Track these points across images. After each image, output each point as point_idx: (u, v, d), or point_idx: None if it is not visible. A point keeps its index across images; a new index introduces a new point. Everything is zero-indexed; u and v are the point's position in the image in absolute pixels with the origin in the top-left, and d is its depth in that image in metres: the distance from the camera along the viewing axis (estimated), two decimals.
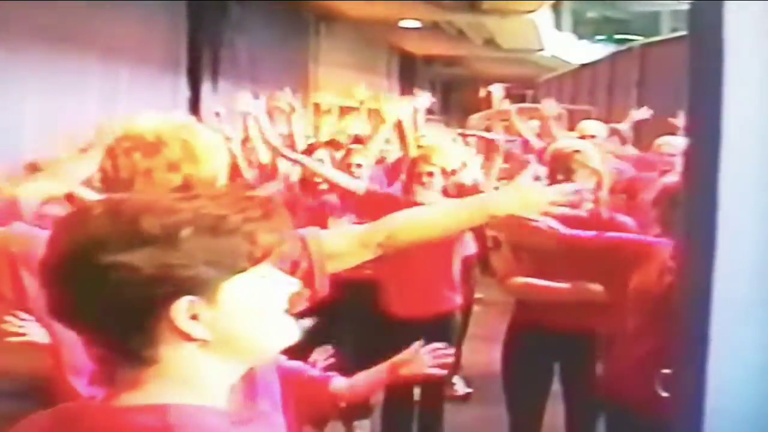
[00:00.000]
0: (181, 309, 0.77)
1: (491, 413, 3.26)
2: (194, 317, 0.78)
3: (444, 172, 3.21)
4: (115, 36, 8.85)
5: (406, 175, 3.30)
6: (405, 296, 3.16)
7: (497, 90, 5.96)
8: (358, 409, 3.54)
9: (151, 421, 0.76)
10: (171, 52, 10.65)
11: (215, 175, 1.44)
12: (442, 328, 3.21)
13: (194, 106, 10.87)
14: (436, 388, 3.24)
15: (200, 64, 11.10)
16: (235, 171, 3.78)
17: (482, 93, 7.65)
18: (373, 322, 3.74)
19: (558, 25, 18.12)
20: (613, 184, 3.86)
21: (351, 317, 3.37)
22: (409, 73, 17.97)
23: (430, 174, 3.15)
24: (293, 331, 0.87)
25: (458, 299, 3.33)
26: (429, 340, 3.06)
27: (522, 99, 16.36)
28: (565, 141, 3.26)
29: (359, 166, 3.76)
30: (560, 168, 2.69)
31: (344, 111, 13.85)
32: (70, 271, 0.76)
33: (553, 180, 2.72)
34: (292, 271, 1.44)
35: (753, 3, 1.06)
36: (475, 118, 12.14)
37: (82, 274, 0.76)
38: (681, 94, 1.18)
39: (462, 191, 3.27)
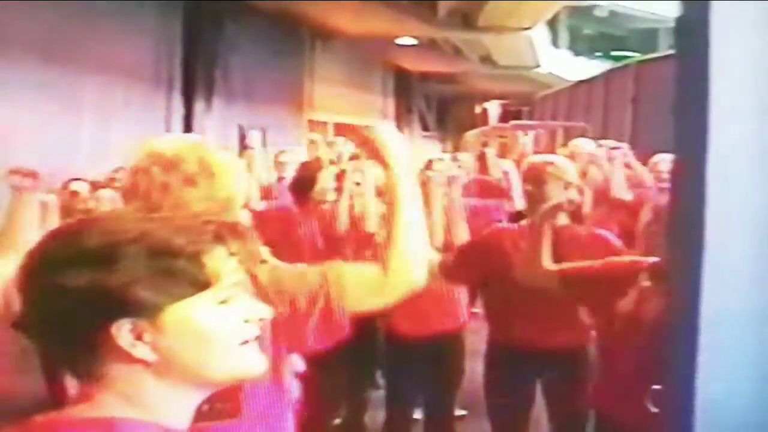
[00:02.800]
0: (122, 329, 0.77)
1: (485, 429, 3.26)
2: (138, 338, 0.78)
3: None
4: (109, 54, 8.90)
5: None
6: (411, 314, 3.10)
7: (493, 107, 6.17)
8: (352, 425, 3.59)
9: None
10: (165, 69, 10.67)
11: (232, 195, 1.46)
12: (449, 347, 3.21)
13: (188, 124, 10.91)
14: (444, 402, 3.26)
15: (194, 82, 11.13)
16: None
17: (478, 110, 7.70)
18: (377, 340, 3.72)
19: (555, 42, 18.25)
20: (606, 198, 3.86)
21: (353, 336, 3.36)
22: (405, 90, 18.03)
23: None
24: (255, 362, 0.85)
25: (464, 317, 3.32)
26: (435, 359, 3.17)
27: (518, 115, 16.47)
28: (539, 155, 3.26)
29: (357, 184, 3.73)
30: (532, 180, 2.67)
31: (340, 128, 13.92)
32: (23, 286, 0.79)
33: (524, 192, 2.74)
34: (309, 306, 1.41)
35: (740, 19, 1.07)
36: (471, 135, 12.25)
37: (31, 289, 0.78)
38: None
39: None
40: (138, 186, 1.42)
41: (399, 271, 1.45)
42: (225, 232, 0.83)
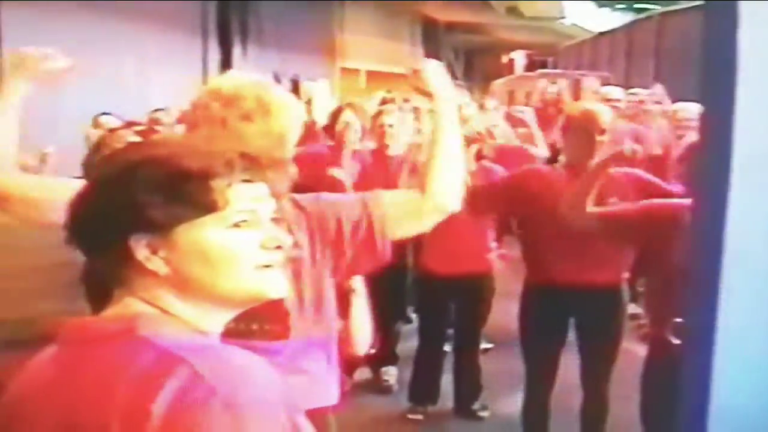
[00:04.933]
0: (139, 244, 0.85)
1: (509, 366, 3.34)
2: (154, 252, 0.85)
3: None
4: (148, 3, 8.99)
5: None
6: (443, 254, 3.20)
7: (519, 57, 6.20)
8: (385, 355, 3.77)
9: (120, 326, 0.84)
10: (201, 17, 10.86)
11: (285, 132, 1.50)
12: (478, 287, 3.35)
13: (225, 69, 10.86)
14: (471, 337, 3.43)
15: (229, 30, 11.39)
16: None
17: (504, 60, 7.68)
18: (407, 277, 3.84)
19: None
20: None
21: (385, 271, 3.49)
22: (432, 40, 18.14)
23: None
24: (273, 286, 0.89)
25: (493, 259, 3.41)
26: (465, 298, 3.36)
27: (543, 65, 16.61)
28: (579, 103, 3.41)
29: (391, 126, 3.77)
30: (574, 127, 2.68)
31: (371, 76, 14.15)
32: (74, 201, 0.90)
33: (568, 143, 2.74)
34: (353, 234, 1.50)
35: None
36: (497, 84, 12.48)
37: (78, 202, 0.88)
38: (697, 63, 1.21)
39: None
40: (198, 120, 1.47)
41: (437, 195, 1.52)
42: (238, 160, 0.86)
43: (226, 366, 0.81)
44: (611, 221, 2.38)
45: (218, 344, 0.88)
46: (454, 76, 5.06)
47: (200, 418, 0.76)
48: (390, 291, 3.74)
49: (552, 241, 2.68)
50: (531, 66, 17.84)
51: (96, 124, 4.05)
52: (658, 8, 12.31)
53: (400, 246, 3.86)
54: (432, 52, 18.30)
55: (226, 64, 11.30)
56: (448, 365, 3.54)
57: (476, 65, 22.07)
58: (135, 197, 0.84)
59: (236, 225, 0.86)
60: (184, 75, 9.74)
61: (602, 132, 2.65)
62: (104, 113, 4.19)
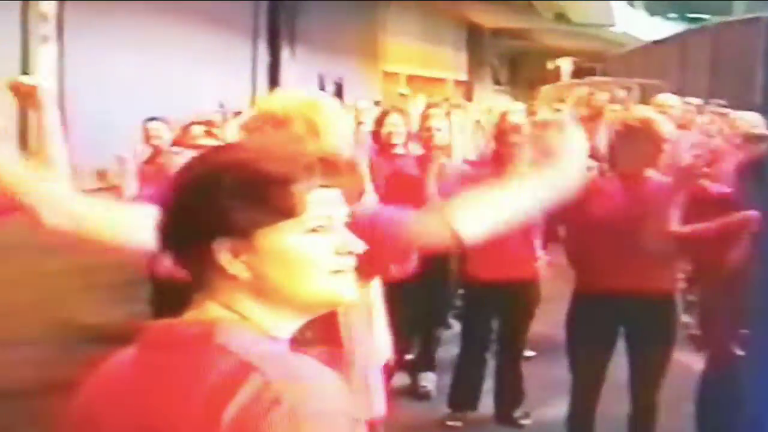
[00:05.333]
0: (221, 247, 0.85)
1: (551, 374, 3.30)
2: (235, 256, 0.85)
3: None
4: (199, 5, 9.41)
5: (497, 146, 3.34)
6: (489, 260, 3.13)
7: (565, 63, 6.08)
8: (424, 361, 3.76)
9: (198, 332, 0.84)
10: (253, 20, 11.18)
11: (336, 148, 1.50)
12: (523, 294, 3.30)
13: (274, 71, 11.66)
14: (514, 344, 3.41)
15: (279, 33, 11.66)
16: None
17: (550, 66, 7.52)
18: (450, 282, 3.78)
19: (630, 2, 17.90)
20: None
21: (427, 278, 3.24)
22: (477, 44, 18.06)
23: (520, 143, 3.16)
24: (345, 292, 0.90)
25: (540, 266, 3.37)
26: (509, 305, 3.29)
27: (591, 72, 16.36)
28: (637, 112, 3.20)
29: (438, 129, 3.72)
30: (632, 136, 2.63)
31: (412, 80, 14.13)
32: (163, 206, 0.91)
33: (623, 150, 2.68)
34: (385, 244, 1.48)
35: None
36: (545, 90, 12.31)
37: (166, 207, 0.90)
38: (753, 74, 1.33)
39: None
40: None
41: (467, 232, 1.48)
42: (318, 165, 0.87)
43: (295, 376, 0.81)
44: (691, 242, 2.34)
45: (290, 353, 0.88)
46: (498, 82, 5.00)
47: (264, 428, 0.76)
48: (430, 297, 3.69)
49: (604, 249, 2.65)
50: (578, 73, 17.60)
51: (144, 130, 4.09)
52: (710, 18, 12.02)
53: (441, 252, 3.33)
54: (476, 58, 18.25)
55: (274, 65, 11.70)
56: (487, 371, 3.50)
57: (521, 71, 21.94)
58: (218, 201, 0.85)
59: (313, 230, 0.87)
60: (234, 76, 10.33)
61: (663, 141, 2.62)
62: (152, 118, 4.19)
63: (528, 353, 3.75)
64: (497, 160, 3.26)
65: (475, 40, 17.95)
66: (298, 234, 0.86)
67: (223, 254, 0.85)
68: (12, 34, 7.31)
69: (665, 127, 2.67)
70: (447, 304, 4.11)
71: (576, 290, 2.84)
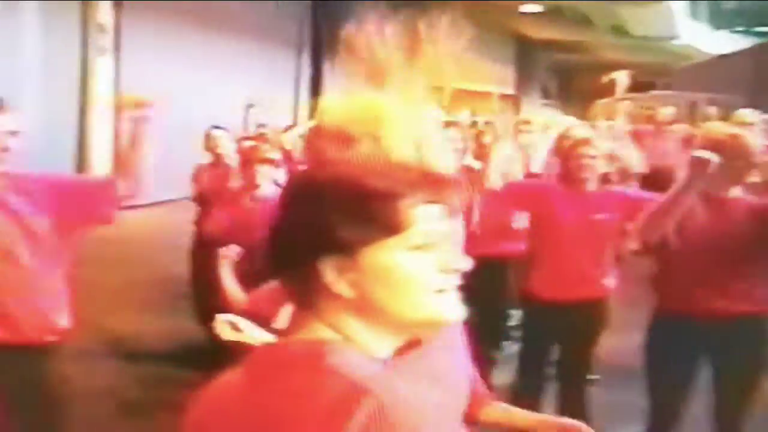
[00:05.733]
0: (327, 265, 0.83)
1: (617, 398, 3.29)
2: (340, 274, 0.83)
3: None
4: (247, 18, 9.66)
5: (563, 162, 3.23)
6: (554, 278, 3.07)
7: (622, 77, 5.74)
8: None
9: (306, 353, 0.83)
10: (297, 33, 11.41)
11: (410, 156, 1.38)
12: (591, 314, 3.13)
13: (316, 83, 11.69)
14: (579, 367, 3.23)
15: (321, 45, 11.65)
16: None
17: (605, 80, 7.36)
18: (505, 303, 3.80)
19: (693, 15, 17.07)
20: None
21: (488, 297, 3.36)
22: (526, 57, 17.39)
23: (593, 157, 3.10)
24: (450, 311, 0.88)
25: (610, 284, 3.17)
26: (575, 326, 3.11)
27: (650, 87, 15.42)
28: (720, 126, 3.01)
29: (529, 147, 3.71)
30: (719, 151, 2.49)
31: (456, 93, 13.52)
32: (270, 223, 0.89)
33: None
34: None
35: None
36: (603, 103, 11.51)
37: (272, 224, 0.88)
38: None
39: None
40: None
41: None
42: (423, 180, 0.86)
43: (406, 400, 0.81)
44: None
45: (397, 375, 0.86)
46: (547, 96, 4.80)
47: None
48: (486, 318, 3.47)
49: (691, 267, 2.59)
50: (636, 87, 16.70)
51: (208, 138, 4.30)
52: None
53: (499, 270, 3.65)
54: (524, 71, 17.50)
55: (316, 77, 11.77)
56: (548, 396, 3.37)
57: (573, 85, 21.20)
58: (323, 218, 0.84)
59: (418, 247, 0.85)
60: (278, 88, 10.53)
61: (752, 157, 2.55)
62: (216, 127, 4.35)
63: (592, 376, 3.60)
64: (566, 176, 3.15)
65: (523, 52, 17.29)
66: (402, 251, 0.85)
67: (328, 273, 0.84)
68: (72, 46, 7.65)
69: (755, 142, 2.59)
70: (501, 324, 4.09)
71: (657, 310, 2.76)
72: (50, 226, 2.10)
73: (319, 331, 0.86)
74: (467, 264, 0.88)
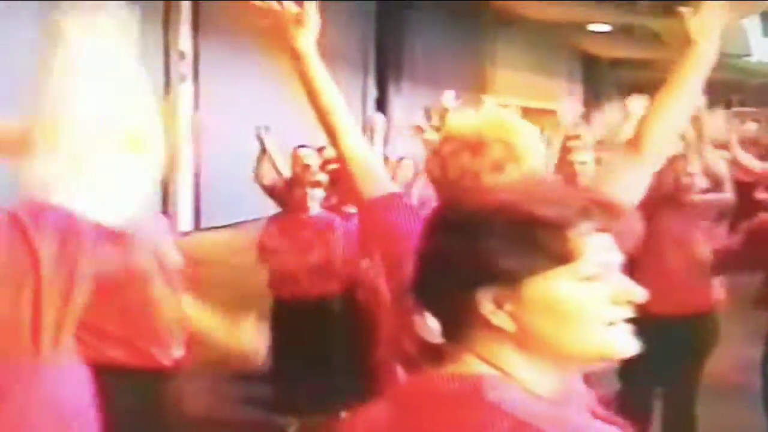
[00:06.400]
0: (486, 297, 0.80)
1: (725, 418, 3.26)
2: (499, 306, 0.80)
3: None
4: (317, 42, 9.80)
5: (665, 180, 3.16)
6: (656, 290, 2.91)
7: None
8: None
9: (464, 388, 0.80)
10: (361, 55, 11.41)
11: (534, 173, 1.46)
12: (699, 328, 3.03)
13: (381, 105, 11.61)
14: (687, 384, 3.12)
15: (386, 68, 11.75)
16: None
17: None
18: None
19: (766, 32, 16.57)
20: None
21: None
22: (594, 76, 17.14)
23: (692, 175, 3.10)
24: (621, 345, 0.83)
25: (718, 294, 3.08)
26: (682, 342, 2.97)
27: (728, 104, 15.06)
28: None
29: (583, 163, 3.55)
30: None
31: (524, 112, 13.43)
32: (416, 252, 0.86)
33: None
34: None
35: None
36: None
37: (420, 254, 0.84)
38: None
39: None
40: (447, 172, 1.44)
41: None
42: (593, 207, 0.82)
43: None
44: None
45: (566, 412, 0.82)
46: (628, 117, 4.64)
47: None
48: None
49: None
50: (710, 104, 16.28)
51: (295, 157, 4.23)
52: None
53: None
54: (592, 89, 17.26)
55: (382, 100, 11.80)
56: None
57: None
58: (486, 245, 0.80)
59: (587, 278, 0.82)
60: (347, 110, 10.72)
61: None
62: (301, 146, 4.31)
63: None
64: (669, 192, 3.13)
65: (591, 70, 17.07)
66: (571, 282, 0.81)
67: (487, 304, 0.81)
68: (156, 73, 7.75)
69: None
70: None
71: None
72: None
73: (473, 365, 0.82)
74: (642, 295, 0.84)
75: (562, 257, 0.80)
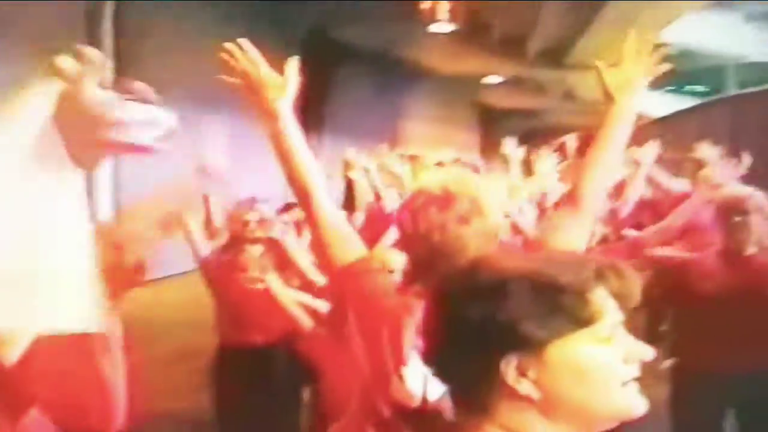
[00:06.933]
0: (509, 364, 0.80)
1: None
2: (523, 374, 0.80)
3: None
4: (236, 94, 9.74)
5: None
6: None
7: (571, 140, 5.93)
8: None
9: None
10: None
11: (498, 226, 1.52)
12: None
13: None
14: None
15: (306, 121, 12.00)
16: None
17: (556, 143, 7.51)
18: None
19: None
20: None
21: None
22: (489, 124, 18.44)
23: None
24: (636, 404, 0.84)
25: None
26: (751, 402, 2.69)
27: None
28: (735, 187, 3.29)
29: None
30: (736, 211, 2.65)
31: (439, 166, 14.19)
32: (430, 321, 0.86)
33: (726, 222, 2.68)
34: None
35: None
36: (561, 167, 12.38)
37: (436, 324, 0.84)
38: None
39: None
40: (419, 227, 1.48)
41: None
42: (607, 271, 0.84)
43: None
44: None
45: None
46: (507, 161, 4.88)
47: None
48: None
49: (711, 328, 2.62)
50: (585, 148, 17.74)
51: (232, 215, 3.70)
52: (705, 91, 12.12)
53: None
54: (488, 137, 18.59)
55: None
56: None
57: (532, 148, 21.97)
58: (511, 312, 0.80)
59: (605, 339, 0.83)
60: (264, 163, 10.62)
61: (746, 213, 2.65)
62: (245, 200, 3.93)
63: None
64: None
65: (486, 120, 18.36)
66: (591, 344, 0.82)
67: (511, 372, 0.80)
68: None
69: (755, 200, 2.69)
70: None
71: (676, 367, 2.73)
72: None
73: None
74: (650, 353, 0.85)
75: (586, 320, 0.81)
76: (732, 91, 14.65)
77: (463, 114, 17.45)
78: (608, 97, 1.66)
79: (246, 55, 1.57)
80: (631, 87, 1.65)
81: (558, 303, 0.81)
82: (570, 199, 1.65)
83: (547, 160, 4.73)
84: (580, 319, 0.81)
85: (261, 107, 1.61)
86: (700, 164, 3.99)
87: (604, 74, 1.67)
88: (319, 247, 1.63)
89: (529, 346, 0.80)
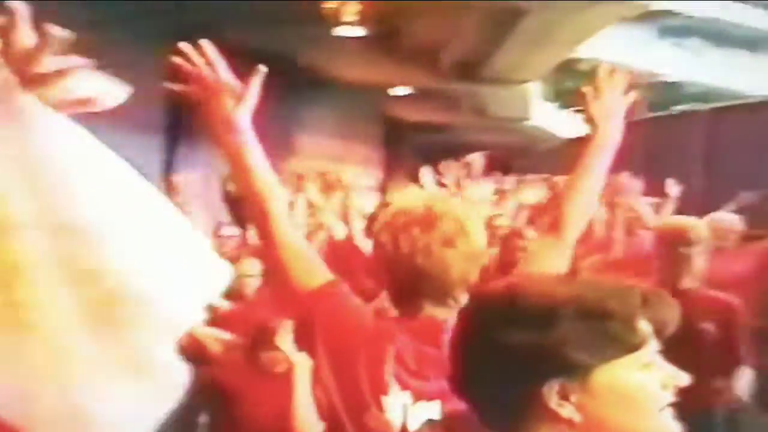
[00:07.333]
0: (552, 390, 0.81)
1: None
2: (565, 398, 0.81)
3: None
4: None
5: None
6: None
7: (477, 158, 5.84)
8: None
9: None
10: (150, 114, 10.27)
11: (483, 248, 1.50)
12: None
13: (168, 169, 10.64)
14: None
15: (179, 128, 11.01)
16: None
17: (462, 162, 7.45)
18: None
19: (545, 95, 18.13)
20: None
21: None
22: (395, 139, 17.85)
23: None
24: (671, 428, 0.85)
25: None
26: None
27: (507, 168, 16.30)
28: (676, 218, 3.41)
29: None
30: (682, 242, 2.79)
31: (324, 177, 13.54)
32: (460, 344, 0.85)
33: (671, 253, 2.82)
34: None
35: None
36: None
37: (470, 347, 0.84)
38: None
39: None
40: (400, 248, 1.45)
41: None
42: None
43: None
44: None
45: None
46: (415, 179, 4.79)
47: None
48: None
49: None
50: (491, 168, 17.41)
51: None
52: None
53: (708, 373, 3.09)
54: (393, 152, 17.96)
55: (169, 162, 11.05)
56: None
57: (439, 165, 21.74)
58: (557, 338, 0.81)
59: (647, 365, 0.85)
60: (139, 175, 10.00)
61: (690, 245, 2.77)
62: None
63: None
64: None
65: (392, 134, 17.75)
66: (634, 370, 0.84)
67: (553, 397, 0.81)
68: None
69: (698, 231, 2.83)
70: None
71: None
72: None
73: None
74: (686, 379, 0.87)
75: (633, 347, 0.83)
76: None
77: (366, 127, 16.65)
78: (592, 125, 1.69)
79: (203, 57, 1.48)
80: (612, 113, 1.69)
81: (606, 329, 0.83)
82: (551, 227, 1.69)
83: (482, 188, 4.87)
84: (628, 345, 0.84)
85: (216, 117, 1.52)
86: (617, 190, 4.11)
87: (589, 101, 1.69)
88: (278, 272, 1.55)
89: (575, 372, 0.82)
